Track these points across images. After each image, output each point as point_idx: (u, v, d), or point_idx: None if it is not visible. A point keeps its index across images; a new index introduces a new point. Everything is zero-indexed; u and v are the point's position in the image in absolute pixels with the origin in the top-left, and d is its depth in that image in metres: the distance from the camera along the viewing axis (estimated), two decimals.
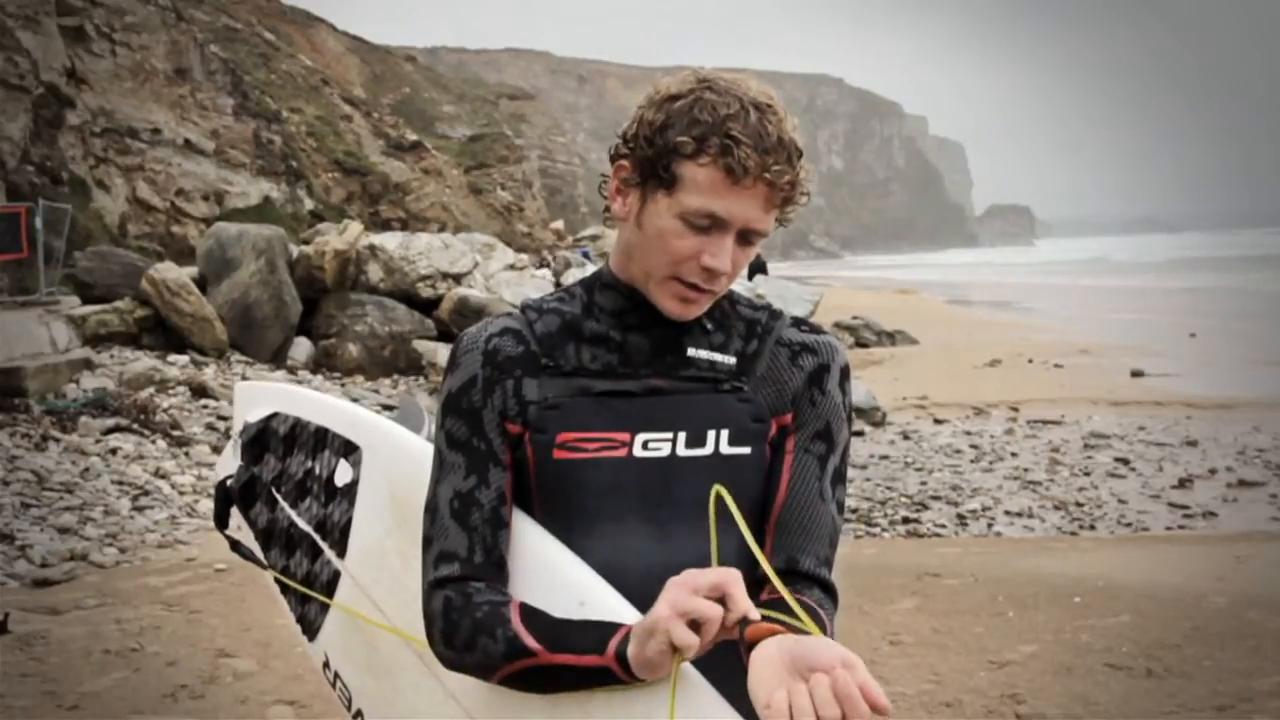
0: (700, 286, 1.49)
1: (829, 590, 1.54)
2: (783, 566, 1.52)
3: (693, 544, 1.50)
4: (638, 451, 1.51)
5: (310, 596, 1.87)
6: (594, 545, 1.50)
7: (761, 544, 1.55)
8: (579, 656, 1.39)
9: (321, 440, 1.85)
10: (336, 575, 1.81)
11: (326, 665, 1.87)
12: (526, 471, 1.53)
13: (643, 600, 1.46)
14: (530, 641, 1.42)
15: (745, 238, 1.49)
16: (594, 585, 1.46)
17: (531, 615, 1.45)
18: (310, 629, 1.89)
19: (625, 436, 1.51)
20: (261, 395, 2.02)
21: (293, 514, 1.86)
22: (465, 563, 1.51)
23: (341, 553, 1.80)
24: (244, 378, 13.38)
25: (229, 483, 1.97)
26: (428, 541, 1.55)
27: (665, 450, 1.51)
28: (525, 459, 1.53)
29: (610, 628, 1.40)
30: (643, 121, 1.49)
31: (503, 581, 1.52)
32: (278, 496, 1.89)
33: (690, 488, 1.51)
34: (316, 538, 1.83)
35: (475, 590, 1.49)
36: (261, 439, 1.93)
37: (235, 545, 2.01)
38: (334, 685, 1.86)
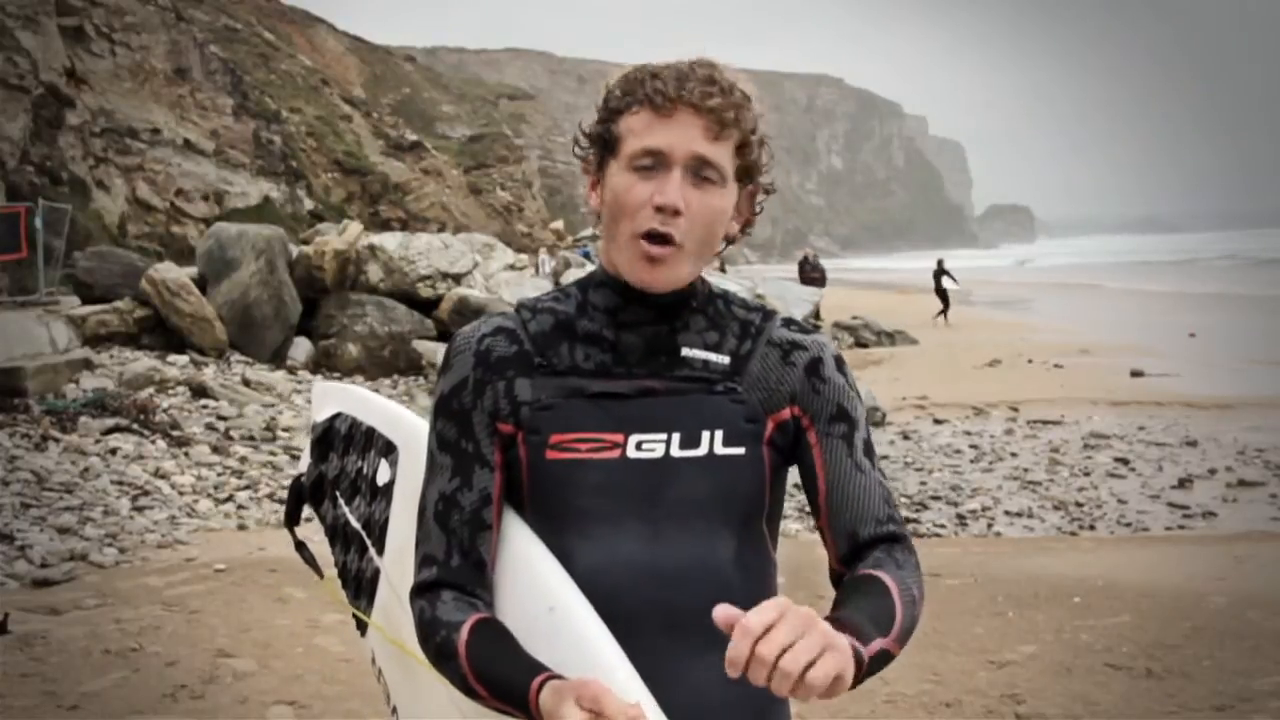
0: (658, 231, 1.47)
1: (896, 539, 1.54)
2: (846, 549, 1.54)
3: (685, 545, 1.49)
4: (631, 452, 1.50)
5: (356, 607, 1.93)
6: (586, 546, 1.49)
7: (818, 534, 1.58)
8: (516, 711, 1.40)
9: (370, 440, 1.90)
10: (378, 572, 1.86)
11: (373, 660, 1.94)
12: (519, 472, 1.53)
13: (634, 601, 1.47)
14: (476, 685, 1.43)
15: (698, 173, 1.48)
16: (565, 592, 1.46)
17: (478, 648, 1.44)
18: (361, 625, 1.94)
19: (619, 437, 1.50)
20: (331, 395, 2.08)
21: (346, 511, 1.91)
22: (442, 566, 1.52)
23: (381, 550, 1.85)
24: (244, 378, 13.39)
25: (303, 479, 2.01)
26: (417, 543, 1.56)
27: (659, 451, 1.50)
28: (518, 459, 1.53)
29: (532, 681, 1.37)
30: (595, 111, 1.56)
31: (481, 584, 1.52)
32: (338, 494, 1.94)
33: (684, 489, 1.50)
34: (364, 535, 1.89)
35: (441, 605, 1.50)
36: (326, 438, 1.98)
37: (300, 547, 2.05)
38: (379, 680, 1.93)
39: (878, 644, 1.35)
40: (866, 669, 1.32)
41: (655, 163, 1.47)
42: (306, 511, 2.04)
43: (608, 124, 1.51)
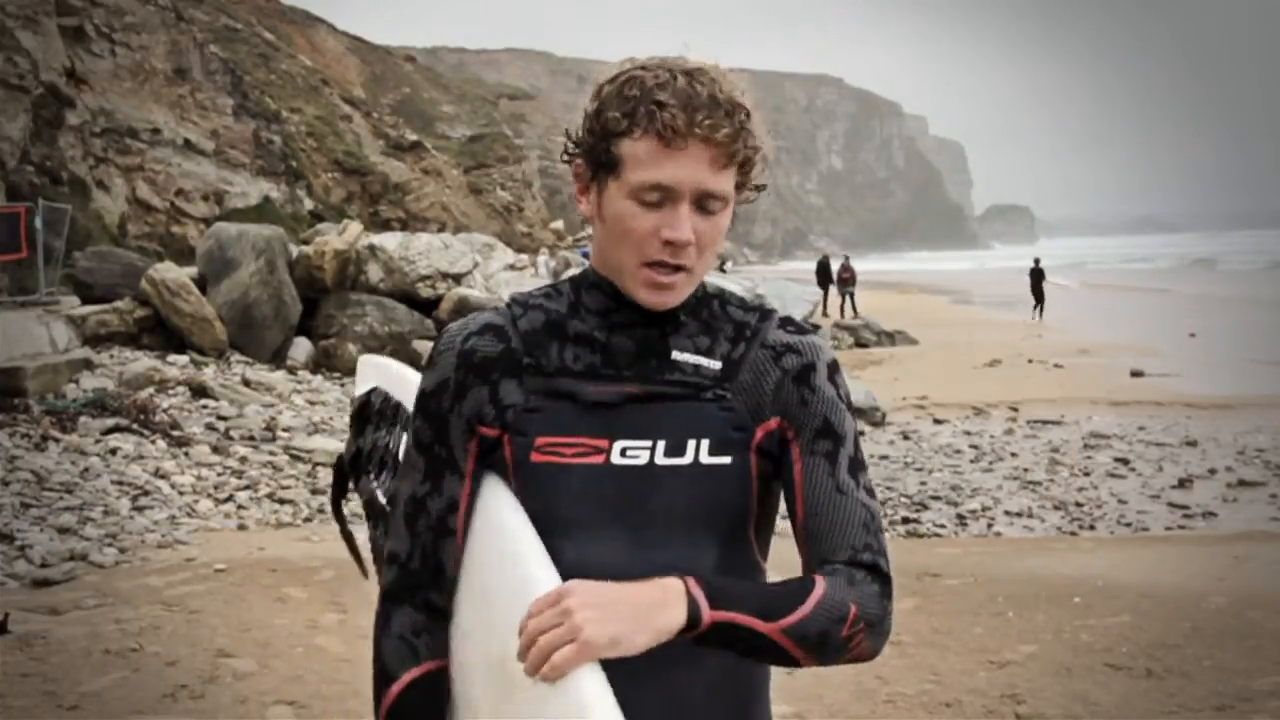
0: (667, 262, 1.45)
1: (870, 569, 1.45)
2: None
3: (666, 553, 1.46)
4: (615, 459, 1.47)
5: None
6: (567, 551, 1.47)
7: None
8: None
9: (396, 413, 1.91)
10: None
11: None
12: (505, 473, 1.52)
13: None
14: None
15: (703, 205, 1.45)
16: (524, 537, 1.48)
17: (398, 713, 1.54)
18: None
19: (604, 443, 1.48)
20: (371, 369, 2.09)
21: (374, 486, 1.91)
22: (403, 567, 1.56)
23: None
24: (244, 378, 13.39)
25: (344, 457, 2.01)
26: (387, 533, 1.61)
27: (644, 458, 1.47)
28: (503, 460, 1.51)
29: None
30: (585, 115, 1.49)
31: (437, 587, 1.55)
32: (369, 469, 1.95)
33: (667, 497, 1.47)
34: (388, 508, 1.89)
35: (388, 634, 1.56)
36: (363, 413, 1.99)
37: (347, 537, 2.05)
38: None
39: (739, 618, 1.35)
40: (709, 633, 1.34)
41: (662, 197, 1.43)
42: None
43: (605, 142, 1.45)
